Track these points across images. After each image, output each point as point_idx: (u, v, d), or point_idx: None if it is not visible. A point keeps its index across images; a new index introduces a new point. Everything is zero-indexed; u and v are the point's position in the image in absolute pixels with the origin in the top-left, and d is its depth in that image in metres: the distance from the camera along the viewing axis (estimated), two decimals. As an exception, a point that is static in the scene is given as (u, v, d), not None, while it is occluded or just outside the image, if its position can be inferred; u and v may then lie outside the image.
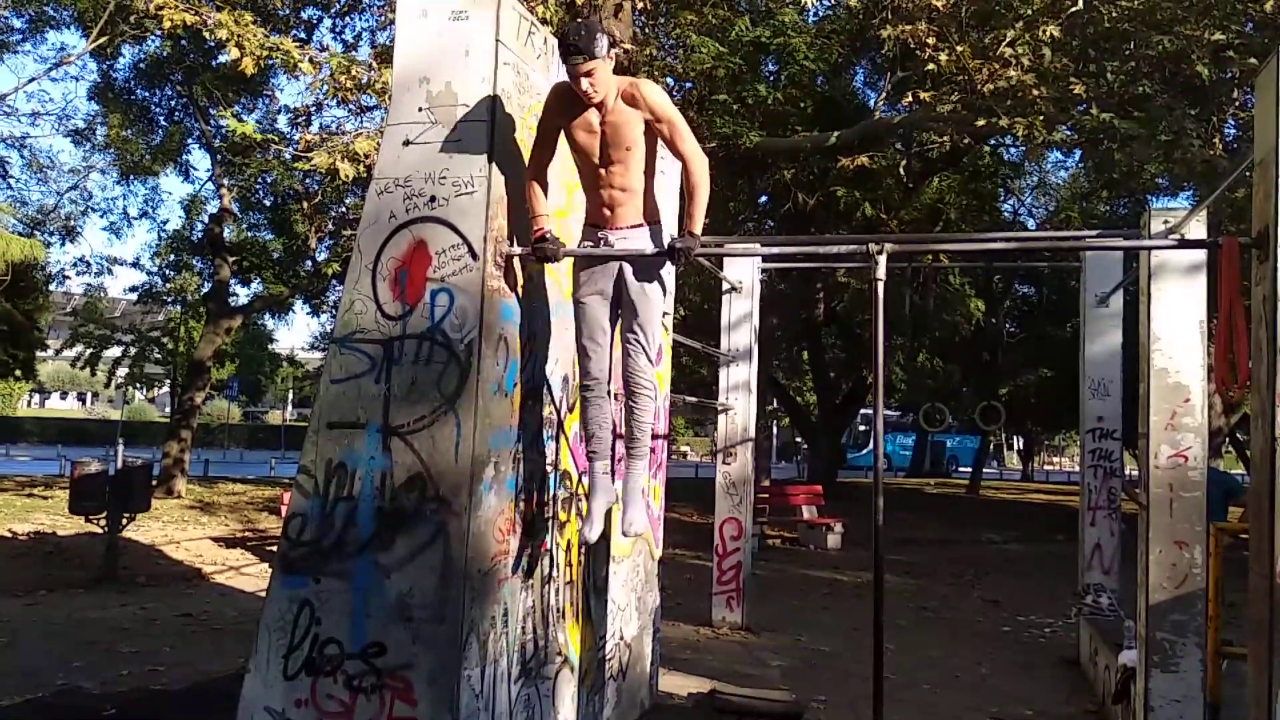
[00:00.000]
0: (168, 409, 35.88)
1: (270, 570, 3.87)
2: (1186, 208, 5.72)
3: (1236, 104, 11.12)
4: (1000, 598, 11.14)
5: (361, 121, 10.26)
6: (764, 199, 17.25)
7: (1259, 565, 3.44)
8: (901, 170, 14.79)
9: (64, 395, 70.31)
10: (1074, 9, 9.58)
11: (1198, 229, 5.25)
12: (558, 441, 4.35)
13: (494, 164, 3.69)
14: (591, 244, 4.00)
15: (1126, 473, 8.40)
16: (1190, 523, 5.14)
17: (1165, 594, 5.14)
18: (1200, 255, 5.26)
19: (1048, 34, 9.31)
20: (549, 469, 4.25)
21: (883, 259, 3.80)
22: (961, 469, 37.17)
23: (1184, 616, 5.10)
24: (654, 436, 5.76)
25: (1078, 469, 8.25)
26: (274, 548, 3.55)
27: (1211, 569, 4.88)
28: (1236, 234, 3.81)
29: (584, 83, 3.64)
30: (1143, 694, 5.20)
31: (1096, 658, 6.95)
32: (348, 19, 15.12)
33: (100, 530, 9.86)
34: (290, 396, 57.46)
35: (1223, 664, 4.81)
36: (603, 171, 3.91)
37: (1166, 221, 5.44)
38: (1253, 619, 3.50)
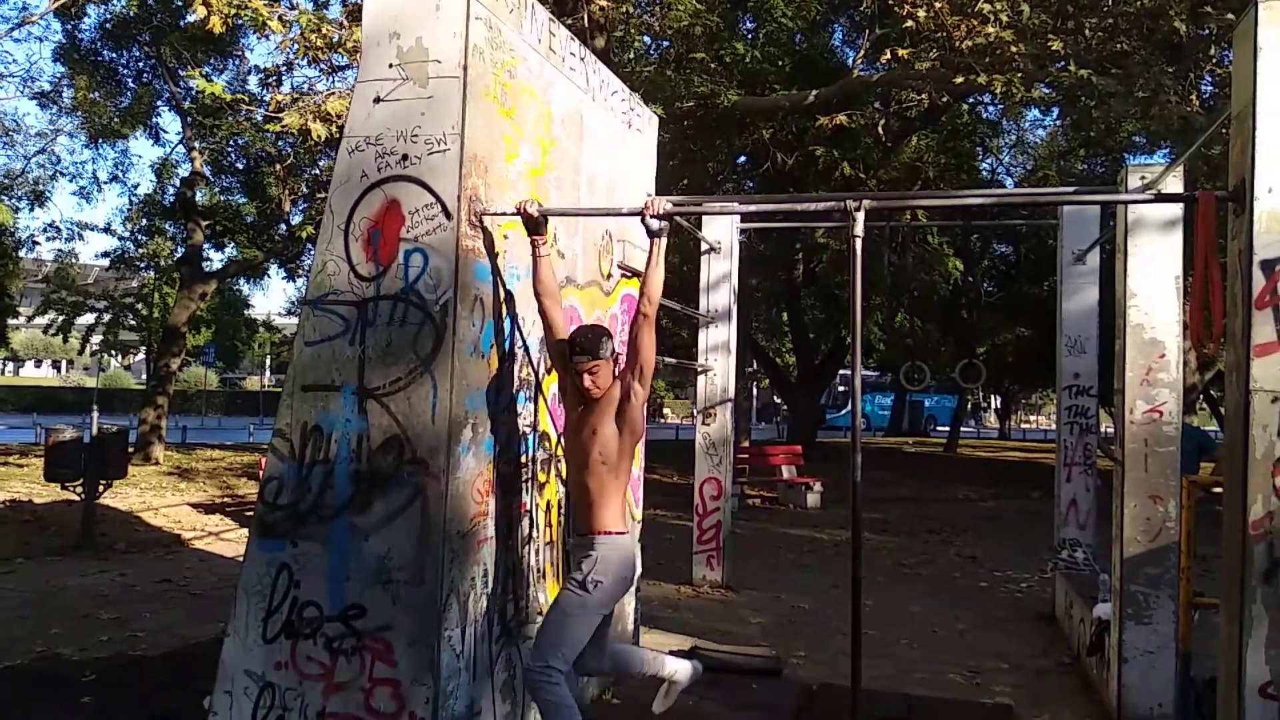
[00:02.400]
0: (144, 376, 35.63)
1: (249, 535, 3.85)
2: (1164, 164, 5.71)
3: (1214, 60, 11.11)
4: (977, 554, 11.26)
5: (333, 81, 10.12)
6: (743, 159, 17.16)
7: (1232, 517, 3.48)
8: (880, 129, 14.73)
9: (38, 363, 69.64)
10: (1053, -36, 9.52)
11: (1174, 184, 5.25)
12: (536, 402, 4.33)
13: (467, 121, 3.63)
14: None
15: (1102, 429, 8.48)
16: (1164, 477, 5.19)
17: (1139, 548, 5.20)
18: (1177, 211, 5.27)
19: (1026, -11, 9.26)
20: (527, 430, 4.24)
21: (860, 215, 3.77)
22: (939, 428, 37.45)
23: (1158, 569, 5.17)
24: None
25: (1054, 427, 8.31)
26: (253, 513, 3.54)
27: (1184, 522, 4.94)
28: (1214, 190, 3.81)
29: (586, 379, 3.84)
30: (1117, 646, 5.28)
31: (1072, 611, 7.05)
32: (318, -24, 14.85)
33: (77, 497, 9.79)
34: (268, 362, 57.14)
35: (1194, 615, 4.88)
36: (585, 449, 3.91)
37: (1144, 177, 5.44)
38: (1225, 567, 3.54)
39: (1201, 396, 22.70)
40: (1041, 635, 7.42)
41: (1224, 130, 3.88)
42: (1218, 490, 3.91)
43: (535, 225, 3.91)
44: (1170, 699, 5.09)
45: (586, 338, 3.87)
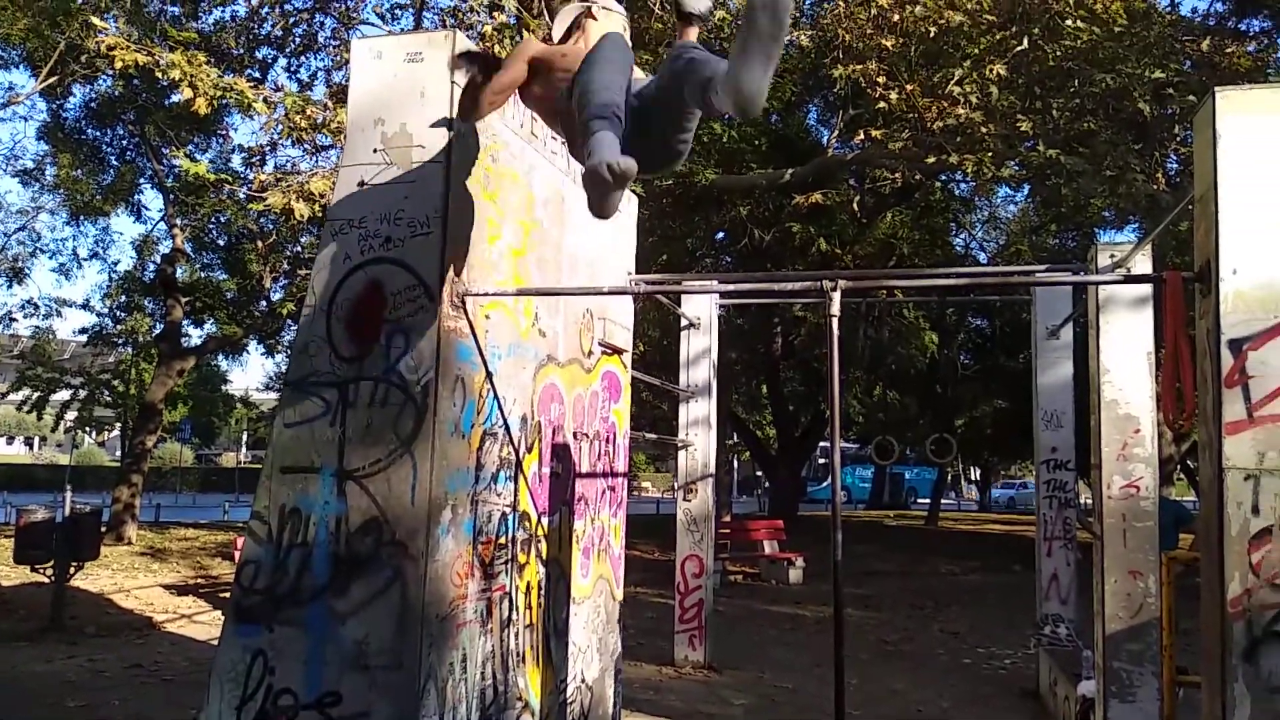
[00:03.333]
0: (118, 453, 35.19)
1: (223, 618, 3.79)
2: (1133, 240, 5.85)
3: (1177, 139, 11.43)
4: (960, 629, 11.18)
5: (317, 161, 10.22)
6: (721, 235, 17.39)
7: (1210, 593, 3.49)
8: (855, 206, 14.98)
9: (10, 440, 68.67)
10: (1020, 48, 9.83)
11: (1143, 263, 5.37)
12: (516, 482, 4.31)
13: (450, 204, 3.68)
14: None
15: (1081, 502, 8.51)
16: (1143, 552, 5.21)
17: (1121, 623, 5.19)
18: (1146, 288, 5.38)
19: (995, 73, 9.54)
20: (508, 510, 4.22)
21: (837, 295, 3.83)
22: (920, 500, 37.41)
23: (1140, 646, 5.16)
24: (614, 475, 5.75)
25: (1034, 498, 8.33)
26: (227, 594, 3.47)
27: (1165, 598, 4.94)
28: (1181, 266, 3.90)
29: None
30: (1102, 724, 5.23)
31: (1056, 688, 6.99)
32: (303, 59, 15.09)
33: (47, 580, 9.60)
34: (245, 438, 56.61)
35: (1179, 692, 4.86)
36: None
37: (1113, 255, 5.56)
38: (1205, 646, 3.54)
39: (1179, 467, 22.80)
40: (1026, 712, 7.34)
41: (1190, 207, 3.99)
42: (1196, 563, 3.92)
43: None
44: (1158, 778, 5.03)
45: None
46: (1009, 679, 8.57)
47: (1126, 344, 5.40)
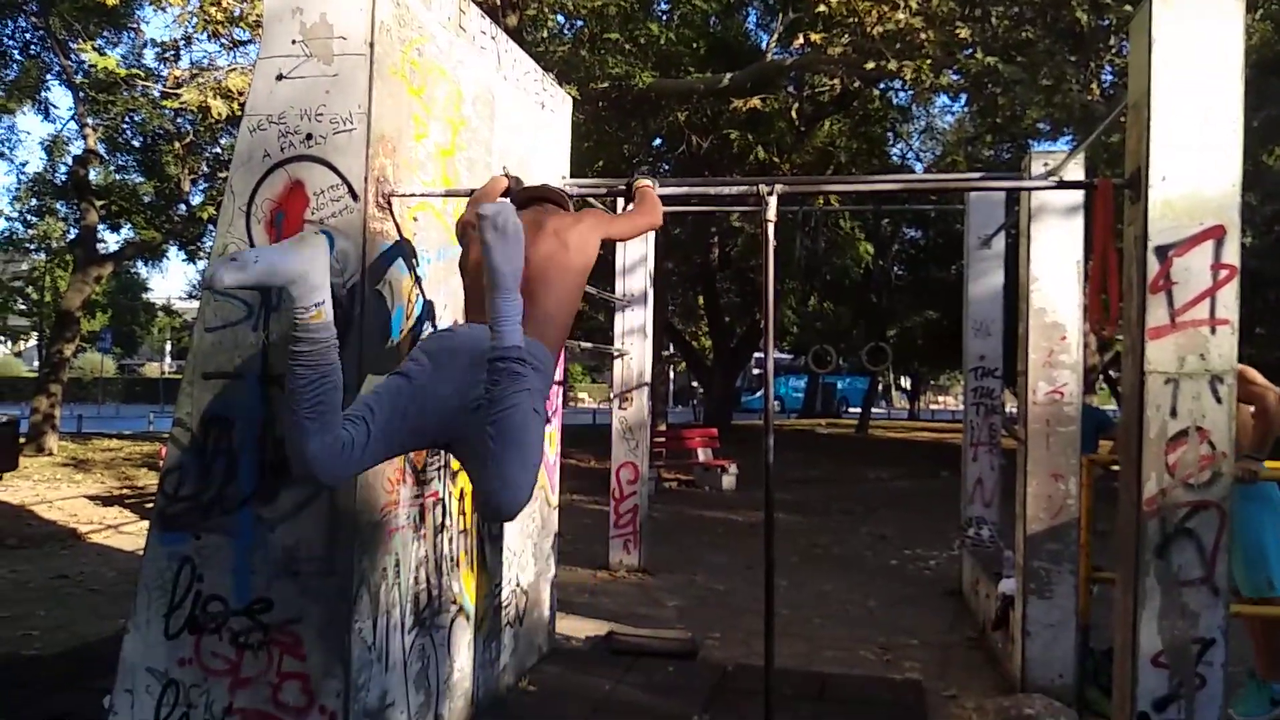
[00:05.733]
0: (35, 363, 34.16)
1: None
2: (1066, 151, 5.87)
3: (1113, 50, 11.48)
4: (888, 533, 11.51)
5: (234, 57, 9.78)
6: (658, 142, 17.16)
7: (1127, 494, 3.60)
8: (793, 113, 14.86)
9: (-78, 350, 66.24)
10: (960, -48, 9.70)
11: (1075, 171, 5.39)
12: (448, 388, 4.25)
13: (374, 100, 3.53)
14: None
15: (1007, 409, 8.71)
16: (1065, 456, 5.35)
17: (1041, 524, 5.36)
18: (1078, 197, 5.42)
19: (935, -23, 9.43)
20: (440, 416, 4.15)
21: (773, 200, 3.79)
22: (852, 409, 38.15)
23: (1059, 545, 5.33)
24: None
25: (961, 407, 8.50)
26: (153, 505, 3.40)
27: (1084, 499, 5.10)
28: (1112, 177, 3.92)
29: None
30: (1020, 620, 5.44)
31: (978, 587, 7.24)
32: (219, -53, 14.33)
33: (-36, 491, 9.35)
34: (168, 347, 55.36)
35: (1093, 589, 5.05)
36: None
37: (1046, 164, 5.58)
38: (1121, 542, 3.67)
39: (1102, 376, 23.52)
40: (949, 611, 7.61)
41: (1122, 119, 3.99)
42: (1115, 468, 4.04)
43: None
44: (1071, 670, 5.26)
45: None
46: (933, 579, 8.86)
47: (1056, 253, 5.45)
